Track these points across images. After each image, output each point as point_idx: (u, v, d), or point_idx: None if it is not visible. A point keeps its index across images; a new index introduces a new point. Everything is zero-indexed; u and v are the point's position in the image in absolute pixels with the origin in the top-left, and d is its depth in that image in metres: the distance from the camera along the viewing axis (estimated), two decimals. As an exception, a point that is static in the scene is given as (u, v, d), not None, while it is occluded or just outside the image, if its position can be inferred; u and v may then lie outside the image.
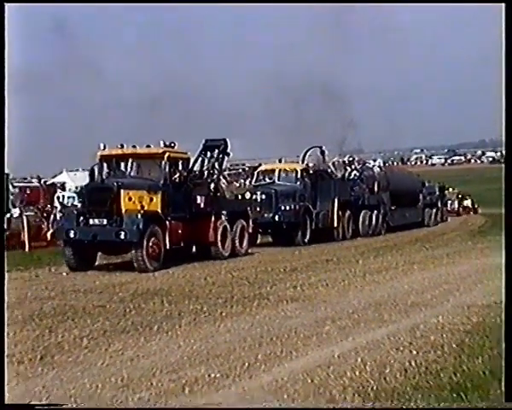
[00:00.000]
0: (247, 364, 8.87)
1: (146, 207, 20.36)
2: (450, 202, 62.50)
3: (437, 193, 49.89)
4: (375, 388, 7.65)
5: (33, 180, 45.02)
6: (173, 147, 21.73)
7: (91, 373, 8.59)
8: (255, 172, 33.41)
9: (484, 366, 8.34)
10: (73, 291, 15.94)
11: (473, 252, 25.41)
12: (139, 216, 19.61)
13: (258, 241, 29.50)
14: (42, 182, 45.45)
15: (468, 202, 66.61)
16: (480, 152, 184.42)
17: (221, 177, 32.57)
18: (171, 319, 12.15)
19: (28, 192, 38.40)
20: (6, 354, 9.19)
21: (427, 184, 48.88)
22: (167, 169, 21.31)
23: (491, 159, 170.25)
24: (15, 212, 30.52)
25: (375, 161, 62.06)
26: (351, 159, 40.02)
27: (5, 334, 6.04)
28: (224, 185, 31.75)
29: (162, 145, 21.61)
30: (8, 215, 29.78)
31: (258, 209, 28.18)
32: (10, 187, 32.96)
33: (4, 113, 6.04)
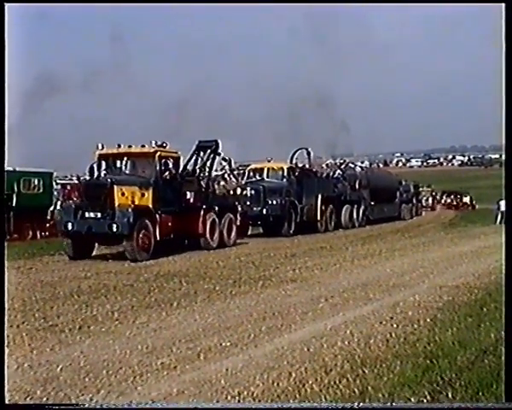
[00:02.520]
0: (252, 335, 8.89)
1: (138, 202, 19.57)
2: (425, 198, 62.46)
3: (412, 190, 49.88)
4: (361, 355, 7.66)
5: (73, 178, 44.97)
6: (165, 147, 20.89)
7: (121, 342, 8.62)
8: (246, 171, 32.65)
9: (453, 338, 8.34)
10: (106, 272, 15.96)
11: (444, 241, 25.41)
12: (130, 210, 18.78)
13: (250, 232, 28.87)
14: (80, 179, 45.43)
15: (466, 199, 65.87)
16: (450, 156, 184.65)
17: (231, 176, 32.57)
18: (188, 296, 12.16)
19: (68, 188, 38.36)
20: (48, 324, 9.20)
21: (403, 183, 48.80)
22: (158, 167, 20.44)
23: (460, 162, 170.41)
24: (58, 205, 30.52)
25: (362, 163, 61.90)
26: (342, 161, 39.97)
27: (5, 334, 5.92)
28: (222, 183, 31.52)
29: (154, 145, 20.73)
30: (51, 208, 29.88)
31: (248, 203, 27.83)
32: (54, 184, 33.01)
33: (4, 113, 5.69)
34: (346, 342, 8.36)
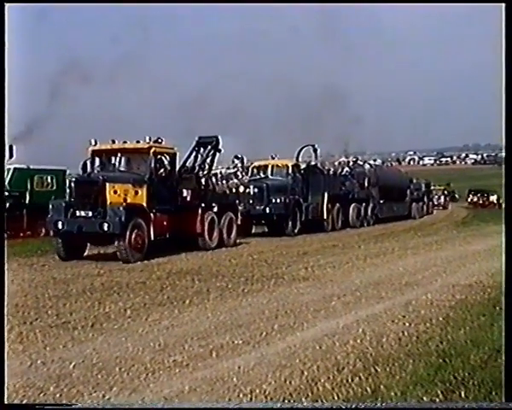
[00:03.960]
0: (264, 333, 8.88)
1: (131, 200, 18.59)
2: (436, 196, 62.05)
3: (423, 189, 49.45)
4: (373, 354, 7.65)
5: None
6: (160, 142, 19.88)
7: (133, 339, 8.63)
8: (250, 168, 31.79)
9: (466, 337, 8.32)
10: (119, 269, 16.00)
11: (457, 239, 25.31)
12: (122, 209, 17.80)
13: (254, 231, 28.34)
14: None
15: (493, 198, 63.29)
16: (463, 155, 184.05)
17: (244, 173, 32.28)
18: (200, 294, 12.16)
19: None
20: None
21: (414, 181, 48.42)
22: (153, 164, 19.50)
23: (473, 160, 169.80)
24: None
25: (375, 161, 61.61)
26: (354, 159, 39.66)
27: (5, 334, 5.90)
28: (235, 180, 31.22)
29: (148, 140, 19.76)
30: None
31: (251, 202, 27.31)
32: (67, 181, 33.09)
33: (4, 113, 5.59)
34: (359, 341, 8.34)
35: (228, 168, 35.26)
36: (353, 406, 5.53)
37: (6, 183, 27.18)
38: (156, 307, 10.94)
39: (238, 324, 9.49)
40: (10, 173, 27.45)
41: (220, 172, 38.97)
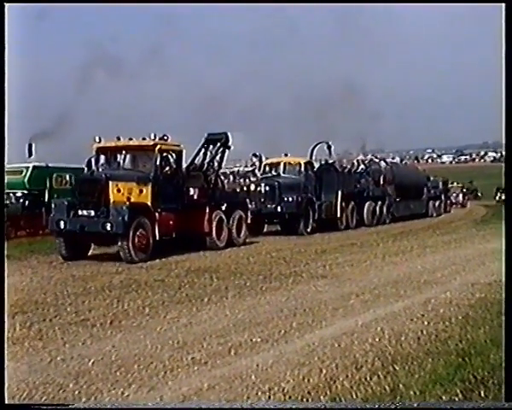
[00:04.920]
0: (283, 331, 8.88)
1: (135, 199, 18.03)
2: (454, 194, 61.60)
3: (440, 187, 48.95)
4: (392, 352, 7.63)
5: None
6: (166, 140, 19.28)
7: (152, 336, 8.66)
8: (262, 165, 30.94)
9: (485, 336, 8.28)
10: (137, 267, 16.04)
11: (476, 238, 25.15)
12: (124, 208, 17.21)
13: (266, 230, 27.77)
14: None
15: None
16: (483, 152, 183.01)
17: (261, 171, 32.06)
18: (219, 292, 12.17)
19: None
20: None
21: (431, 179, 47.93)
22: (158, 161, 18.90)
23: (492, 158, 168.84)
24: None
25: (393, 158, 61.29)
26: (372, 157, 39.37)
27: (5, 334, 5.91)
28: (253, 178, 30.96)
29: (153, 137, 19.13)
30: None
31: (262, 200, 26.64)
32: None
33: (4, 113, 5.53)
34: (377, 339, 8.32)
35: (246, 166, 35.26)
36: (354, 406, 5.53)
37: (25, 180, 27.42)
38: (174, 304, 10.96)
39: (256, 322, 9.49)
40: (29, 171, 27.65)
41: (238, 171, 39.07)
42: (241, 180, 33.54)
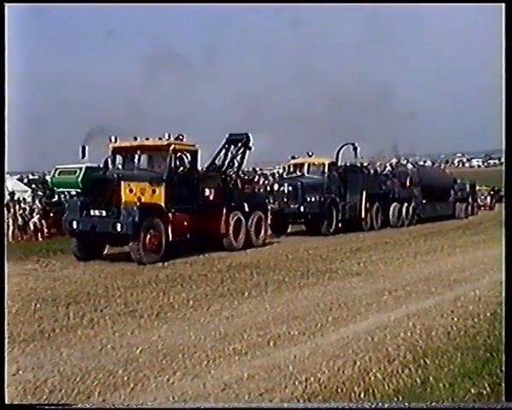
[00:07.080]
0: (319, 324, 8.88)
1: (148, 200, 17.06)
2: (482, 197, 60.57)
3: (467, 189, 48.10)
4: (423, 346, 7.59)
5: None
6: (181, 139, 18.19)
7: (195, 328, 8.72)
8: (286, 166, 29.46)
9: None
10: (182, 263, 16.13)
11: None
12: (135, 208, 16.24)
13: (290, 230, 26.79)
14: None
15: None
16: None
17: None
18: (259, 286, 12.19)
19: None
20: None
21: (458, 181, 47.14)
22: (172, 161, 17.80)
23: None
24: None
25: (425, 162, 60.64)
26: (405, 161, 38.96)
27: (5, 334, 5.94)
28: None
29: (167, 137, 18.05)
30: None
31: (285, 200, 25.56)
32: None
33: (4, 113, 5.43)
34: (409, 334, 8.28)
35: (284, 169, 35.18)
36: (353, 406, 5.49)
37: (79, 180, 27.81)
38: (217, 298, 11.02)
39: (294, 315, 9.50)
40: (83, 172, 28.00)
41: (278, 172, 39.05)
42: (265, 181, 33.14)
